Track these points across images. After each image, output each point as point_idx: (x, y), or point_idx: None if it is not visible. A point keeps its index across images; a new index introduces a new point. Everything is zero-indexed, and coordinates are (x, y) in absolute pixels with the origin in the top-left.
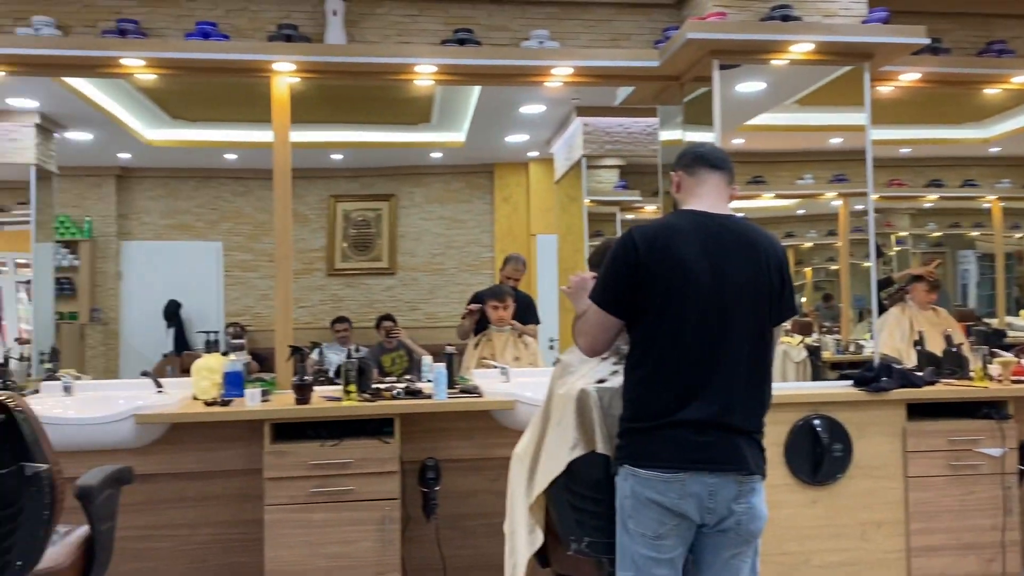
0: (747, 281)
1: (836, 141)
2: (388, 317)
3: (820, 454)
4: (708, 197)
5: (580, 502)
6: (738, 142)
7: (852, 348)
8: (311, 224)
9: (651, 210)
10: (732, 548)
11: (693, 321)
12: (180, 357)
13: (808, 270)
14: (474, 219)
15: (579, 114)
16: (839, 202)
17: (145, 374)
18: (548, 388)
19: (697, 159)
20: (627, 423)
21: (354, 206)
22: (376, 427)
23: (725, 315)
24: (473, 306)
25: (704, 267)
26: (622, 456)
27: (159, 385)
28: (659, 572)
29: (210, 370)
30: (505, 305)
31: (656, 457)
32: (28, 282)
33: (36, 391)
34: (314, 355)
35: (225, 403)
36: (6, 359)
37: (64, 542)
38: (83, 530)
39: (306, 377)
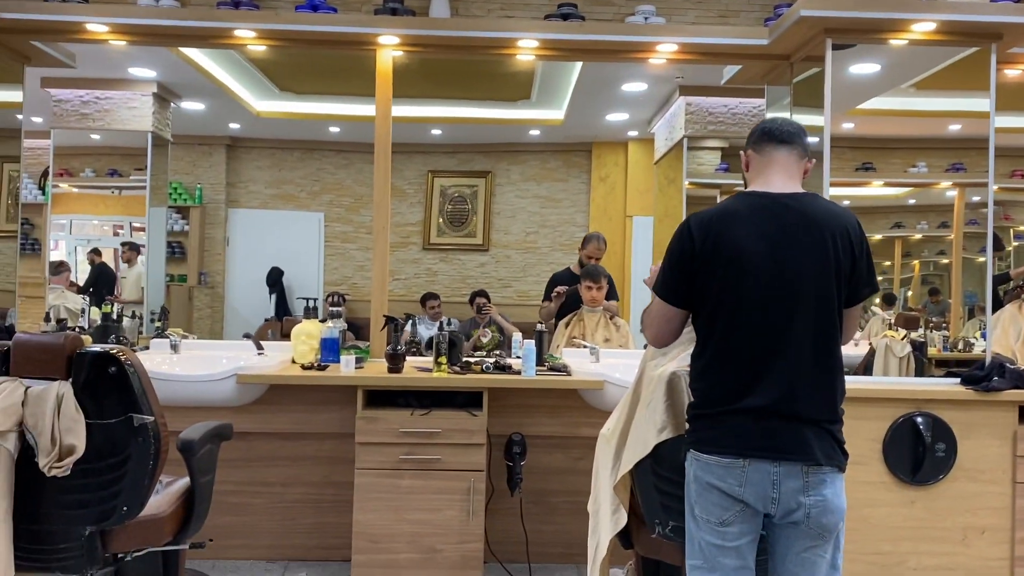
0: (812, 263)
1: (954, 128)
2: (481, 293)
3: (921, 453)
4: (777, 175)
5: (666, 486)
6: (848, 126)
7: (961, 346)
8: (408, 199)
9: None
10: (805, 541)
11: (752, 309)
12: (281, 322)
13: (916, 263)
14: (569, 198)
15: (682, 93)
16: (954, 192)
17: (247, 336)
18: (639, 368)
19: (764, 135)
20: (692, 410)
21: (451, 182)
22: (465, 400)
23: (787, 301)
24: (562, 288)
25: (763, 252)
26: (688, 442)
27: (260, 347)
28: (725, 561)
29: (309, 335)
30: (599, 286)
31: (717, 443)
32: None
33: (146, 347)
34: (407, 328)
35: (321, 368)
36: (119, 316)
37: (166, 492)
38: (184, 482)
39: (399, 347)
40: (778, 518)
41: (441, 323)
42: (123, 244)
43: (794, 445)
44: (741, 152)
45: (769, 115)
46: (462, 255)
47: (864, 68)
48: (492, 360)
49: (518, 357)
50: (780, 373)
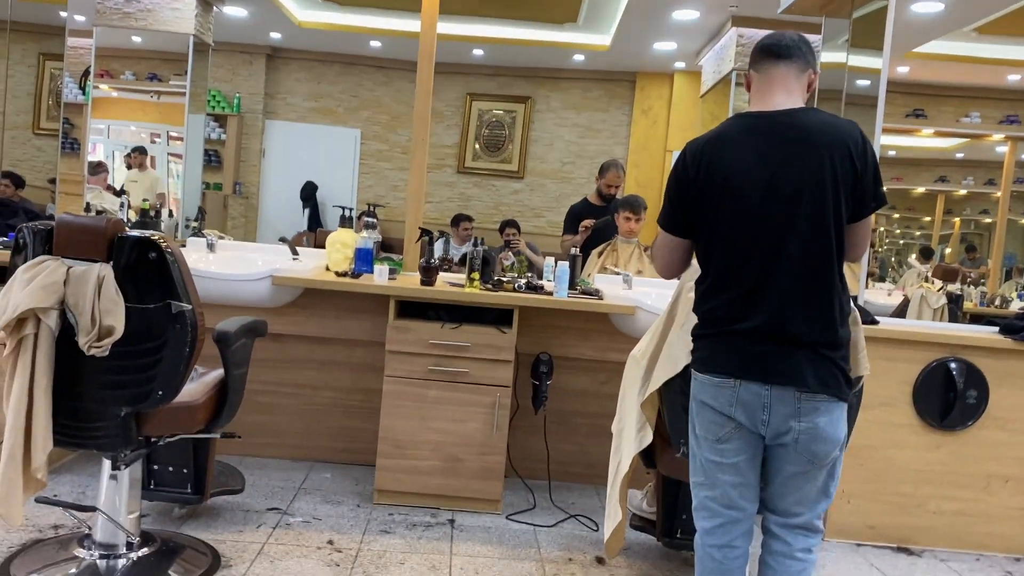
0: (808, 180)
1: (1014, 78)
2: (511, 224)
3: (952, 399)
4: (777, 93)
5: None
6: (902, 70)
7: (998, 302)
8: (445, 121)
9: None
10: (795, 465)
11: (744, 232)
12: (314, 233)
13: (957, 220)
14: (609, 129)
15: (735, 24)
16: (1005, 147)
17: (283, 240)
18: (675, 291)
19: (762, 52)
20: (694, 330)
21: (489, 106)
22: (495, 316)
23: (780, 222)
24: (589, 222)
25: (754, 174)
26: (691, 362)
27: (295, 252)
28: (724, 477)
29: (343, 244)
30: (638, 217)
31: (711, 363)
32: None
33: (183, 245)
34: (439, 243)
35: (355, 276)
36: (157, 213)
37: (201, 380)
38: (218, 373)
39: (432, 260)
40: (769, 439)
41: (476, 241)
42: (133, 149)
43: (785, 369)
44: (745, 74)
45: (825, 55)
46: (496, 181)
47: (927, 7)
48: (524, 280)
49: (550, 280)
50: (774, 296)
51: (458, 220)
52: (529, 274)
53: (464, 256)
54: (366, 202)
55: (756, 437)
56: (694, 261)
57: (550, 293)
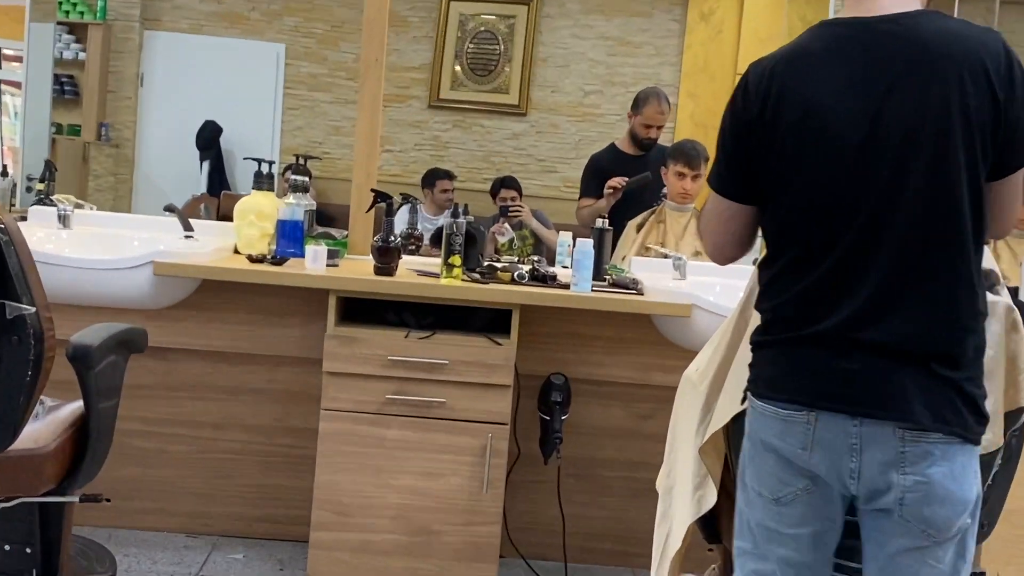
0: (927, 118)
1: None
2: (509, 183)
3: None
4: None
5: None
6: None
7: None
8: (411, 31)
9: None
10: (903, 540)
11: (832, 193)
12: (217, 198)
13: None
14: (653, 43)
15: None
16: None
17: (170, 210)
18: (748, 287)
19: None
20: (754, 337)
21: (476, 9)
22: (486, 320)
23: (885, 179)
24: (617, 181)
25: (849, 110)
26: (748, 385)
27: (189, 227)
28: (779, 551)
29: (259, 215)
30: (696, 173)
31: (777, 385)
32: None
33: (22, 218)
34: (403, 212)
35: (277, 262)
36: None
37: (51, 418)
38: (75, 407)
39: (392, 238)
40: (862, 501)
41: (456, 208)
42: None
43: (883, 394)
44: None
45: None
46: (487, 120)
47: None
48: (527, 267)
49: (565, 267)
50: (868, 285)
51: (432, 178)
52: (535, 258)
53: (439, 231)
54: (293, 152)
55: (838, 498)
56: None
57: (566, 285)
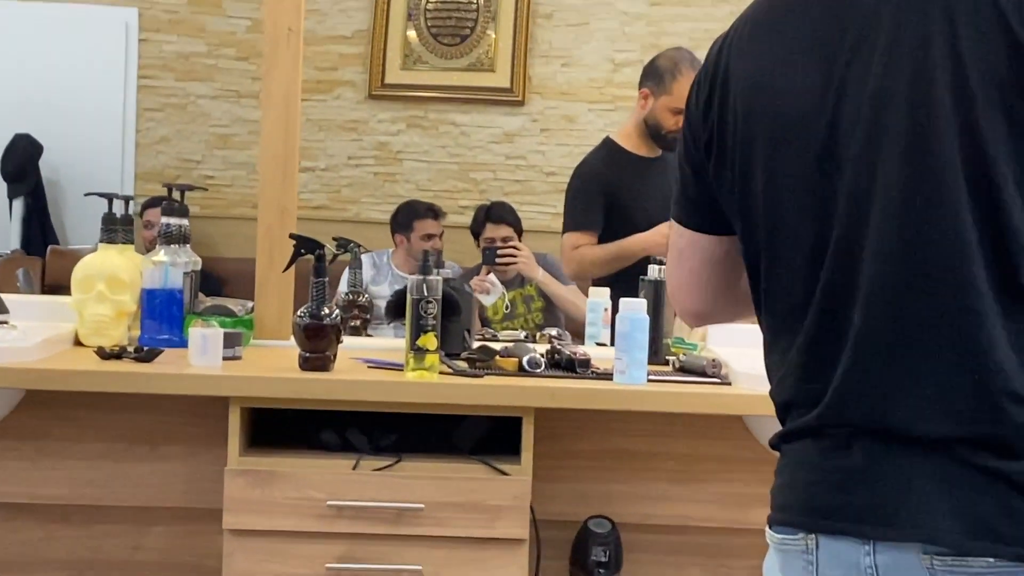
0: (903, 78)
1: None
2: (498, 213)
3: None
4: None
5: None
6: None
7: None
8: None
9: None
10: None
11: (793, 205)
12: (41, 258)
13: None
14: None
15: None
16: None
17: None
18: None
19: None
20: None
21: None
22: (480, 434)
23: (855, 177)
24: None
25: (803, 87)
26: None
27: (0, 308)
28: None
29: (112, 282)
30: None
31: (774, 502)
32: None
33: None
34: (348, 270)
35: (144, 356)
36: None
37: None
38: None
39: (327, 311)
40: None
41: (426, 259)
42: None
43: (896, 500)
44: None
45: None
46: (460, 114)
47: None
48: (543, 348)
49: (601, 344)
50: (852, 341)
51: (408, 218)
52: (553, 331)
53: (399, 297)
54: (156, 179)
55: None
56: None
57: (607, 375)
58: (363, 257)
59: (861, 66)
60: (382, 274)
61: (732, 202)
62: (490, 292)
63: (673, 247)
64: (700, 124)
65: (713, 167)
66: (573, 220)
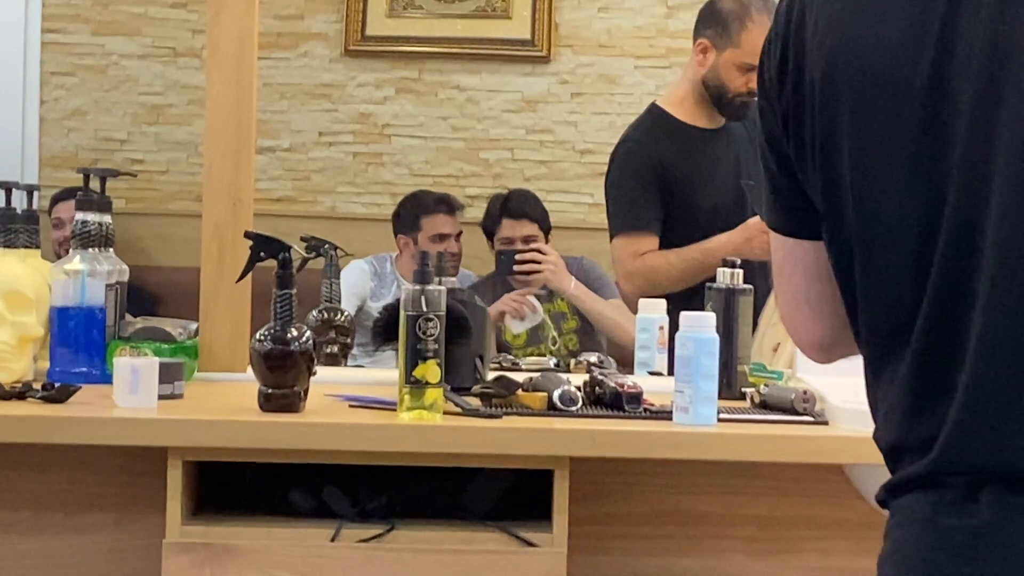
0: (1018, 31)
1: None
2: (517, 205)
3: None
4: None
5: None
6: None
7: None
8: None
9: None
10: None
11: (893, 197)
12: None
13: None
14: None
15: None
16: None
17: None
18: None
19: None
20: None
21: None
22: (497, 493)
23: (984, 141)
24: None
25: (905, 58)
26: None
27: None
28: None
29: (13, 299)
30: None
31: (882, 574)
32: None
33: None
34: (326, 278)
35: (55, 395)
36: None
37: None
38: None
39: (295, 334)
40: None
41: (424, 264)
42: None
43: None
44: None
45: None
46: (467, 74)
47: None
48: (579, 380)
49: (654, 373)
50: (970, 360)
51: (415, 213)
52: (593, 357)
53: (390, 314)
54: (66, 163)
55: None
56: None
57: (666, 413)
58: (361, 264)
59: (969, 9)
60: (385, 285)
61: (816, 193)
62: (526, 318)
63: (774, 263)
64: (776, 95)
65: (794, 149)
66: (625, 219)
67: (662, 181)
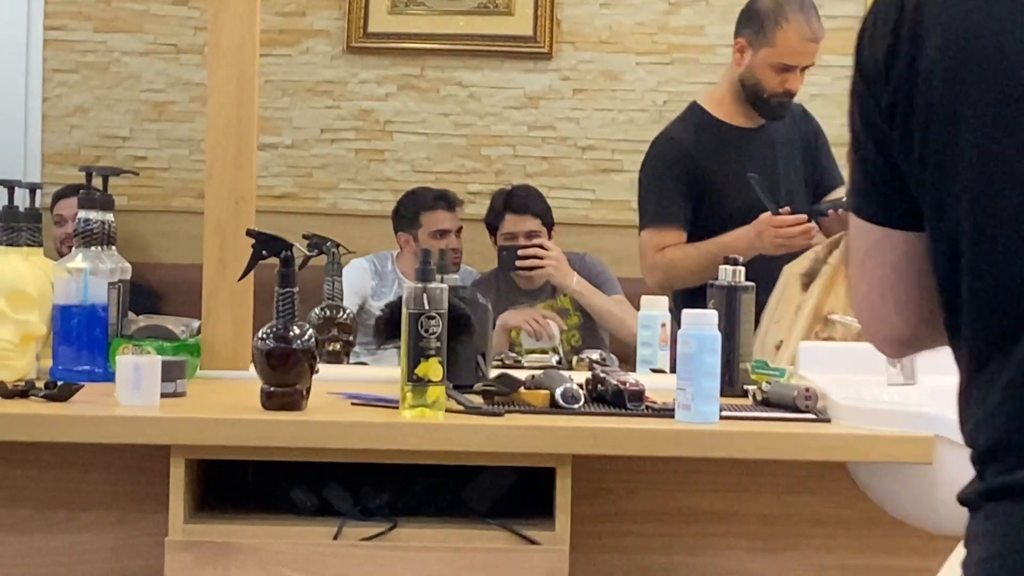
0: None
1: None
2: (520, 201)
3: None
4: None
5: None
6: None
7: None
8: None
9: None
10: None
11: (1015, 185)
12: None
13: None
14: None
15: None
16: None
17: None
18: None
19: None
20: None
21: None
22: (500, 490)
23: None
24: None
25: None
26: None
27: None
28: None
29: (15, 298)
30: None
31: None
32: None
33: None
34: (330, 277)
35: (58, 393)
36: None
37: None
38: None
39: (297, 332)
40: None
41: (426, 260)
42: None
43: None
44: None
45: None
46: (469, 71)
47: None
48: (581, 376)
49: (657, 370)
50: None
51: (414, 209)
52: (596, 354)
53: (392, 312)
54: (68, 160)
55: None
56: None
57: (668, 411)
58: (362, 262)
59: None
60: (387, 283)
61: (923, 187)
62: (540, 338)
63: (855, 252)
64: (881, 81)
65: (899, 139)
66: (653, 212)
67: (694, 177)
